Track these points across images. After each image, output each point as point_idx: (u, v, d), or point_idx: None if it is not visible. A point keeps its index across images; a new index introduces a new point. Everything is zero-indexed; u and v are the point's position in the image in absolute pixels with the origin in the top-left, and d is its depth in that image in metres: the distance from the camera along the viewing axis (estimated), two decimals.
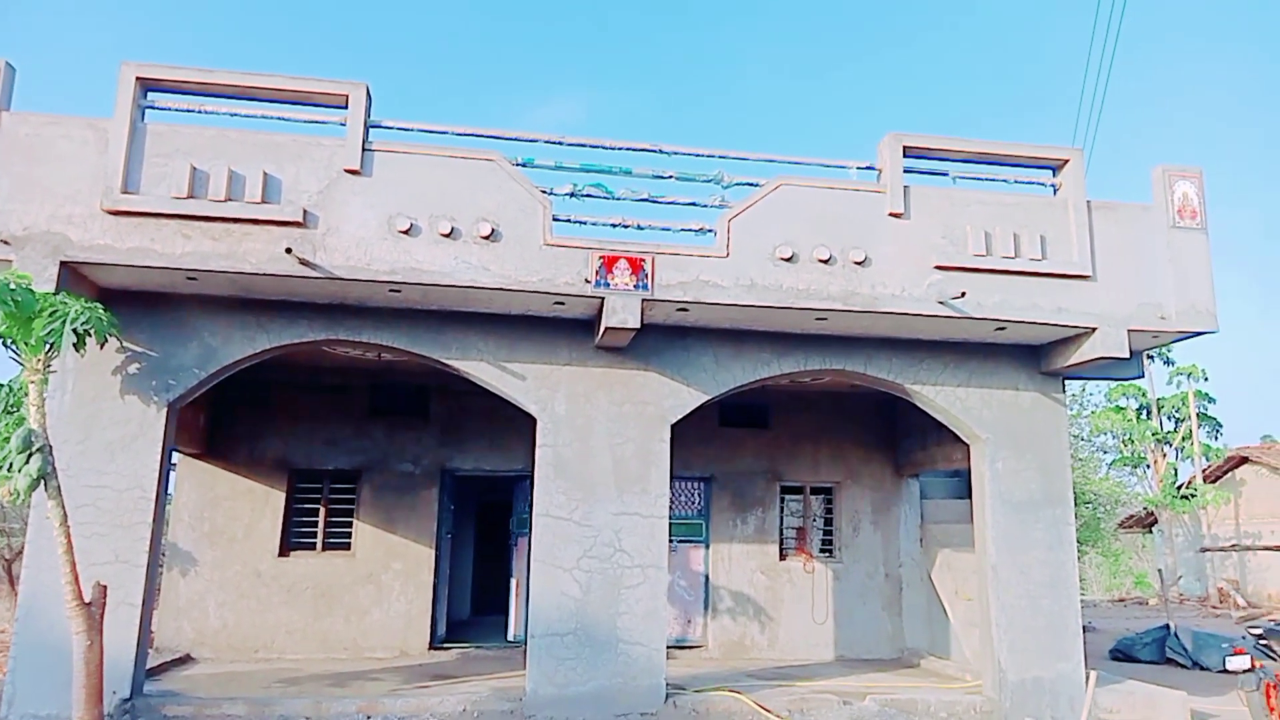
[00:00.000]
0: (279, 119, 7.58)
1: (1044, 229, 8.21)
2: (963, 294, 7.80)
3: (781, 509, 12.06)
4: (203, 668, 9.79)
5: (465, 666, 10.06)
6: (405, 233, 7.24)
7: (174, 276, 7.22)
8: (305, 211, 7.12)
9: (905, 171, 8.15)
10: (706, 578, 11.69)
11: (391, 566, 11.03)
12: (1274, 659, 8.45)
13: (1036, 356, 9.08)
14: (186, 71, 7.35)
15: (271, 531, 10.89)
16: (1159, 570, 18.57)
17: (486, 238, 7.35)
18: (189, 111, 7.43)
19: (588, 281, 7.45)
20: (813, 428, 12.16)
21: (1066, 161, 8.41)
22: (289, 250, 6.90)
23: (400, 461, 11.32)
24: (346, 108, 7.45)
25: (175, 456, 10.69)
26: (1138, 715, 8.63)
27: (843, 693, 8.79)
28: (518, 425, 9.50)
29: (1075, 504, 25.18)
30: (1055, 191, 8.51)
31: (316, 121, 7.58)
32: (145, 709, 7.26)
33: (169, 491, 8.94)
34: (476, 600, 15.02)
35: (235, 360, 7.81)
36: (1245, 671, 8.32)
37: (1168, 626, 13.71)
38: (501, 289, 7.39)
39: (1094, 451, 29.87)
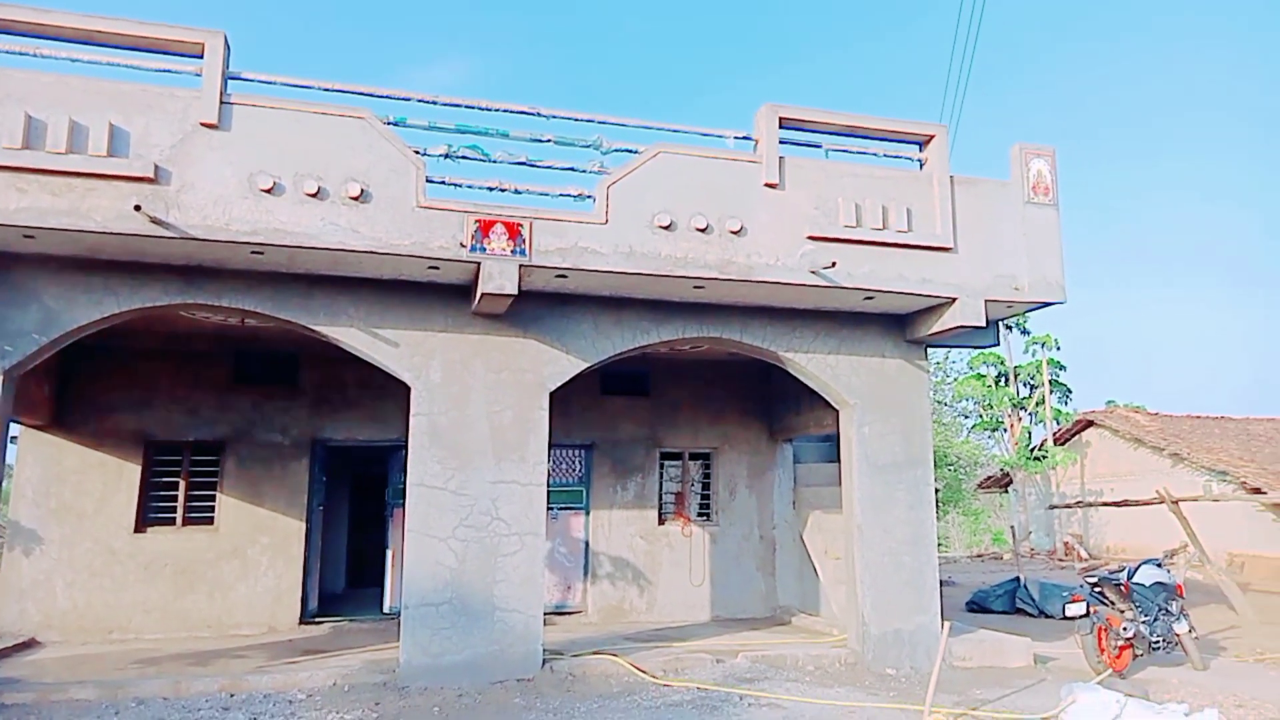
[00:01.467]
0: (128, 67, 7.05)
1: (910, 202, 8.53)
2: (834, 264, 8.03)
3: (661, 475, 12.25)
4: (50, 651, 9.21)
5: (338, 640, 9.83)
6: (268, 191, 6.89)
7: (7, 234, 6.66)
8: (157, 167, 6.67)
9: (780, 143, 8.29)
10: (586, 544, 11.77)
11: (259, 540, 10.63)
12: (1106, 605, 9.20)
13: (902, 325, 9.48)
14: (18, 10, 6.73)
15: (126, 506, 10.29)
16: (1011, 527, 19.85)
17: (356, 199, 7.08)
18: (23, 55, 6.82)
19: (463, 246, 7.29)
20: (692, 395, 12.36)
21: (932, 137, 8.74)
22: (138, 208, 6.45)
23: (268, 432, 10.88)
24: (202, 57, 6.99)
25: (16, 429, 9.95)
26: (987, 661, 9.23)
27: (716, 651, 9.05)
28: (393, 394, 9.28)
29: (938, 466, 26.46)
30: (921, 166, 8.83)
31: (169, 71, 7.09)
32: None
33: (7, 465, 8.32)
34: (352, 573, 14.68)
35: (80, 325, 7.29)
36: (1081, 617, 9.03)
37: (1018, 579, 14.69)
38: (372, 252, 7.15)
39: (956, 416, 31.61)
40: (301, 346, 10.14)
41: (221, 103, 6.93)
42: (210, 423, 10.72)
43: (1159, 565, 9.74)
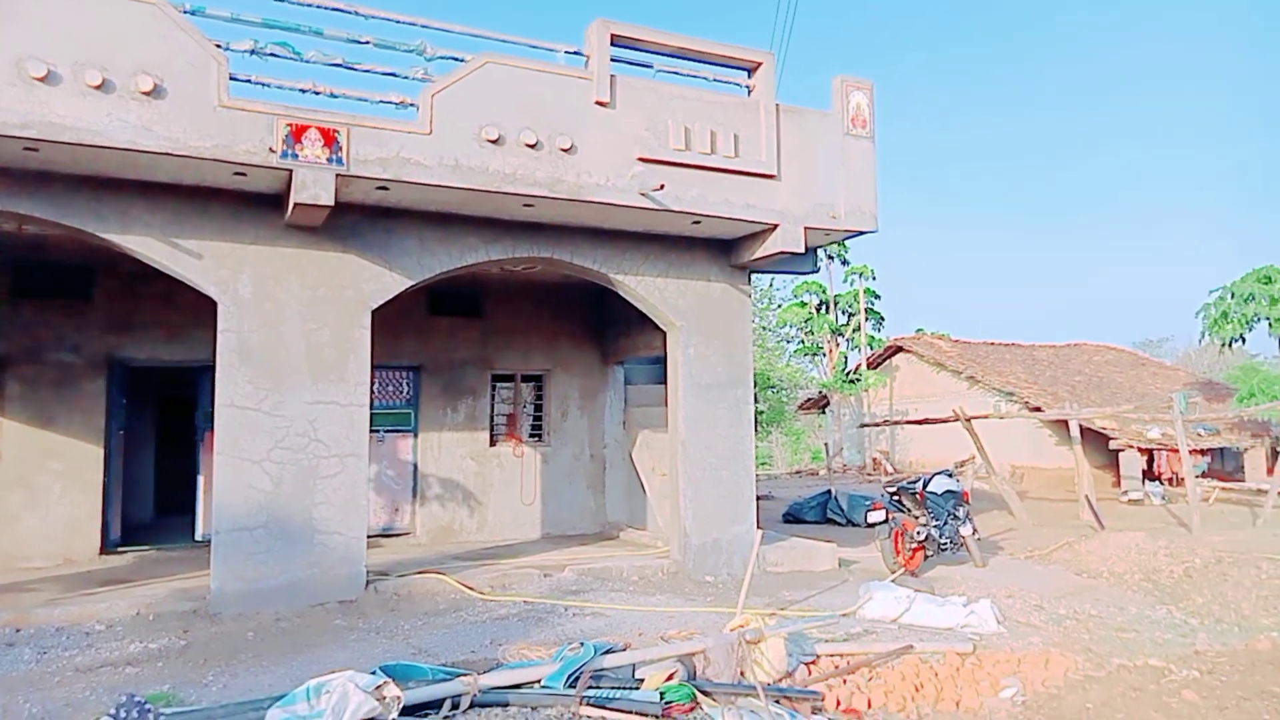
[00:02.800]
0: None
1: (738, 128, 8.68)
2: (662, 186, 8.11)
3: (493, 397, 12.19)
4: None
5: (144, 570, 9.32)
6: (42, 80, 6.16)
7: None
8: None
9: (612, 61, 8.20)
10: (415, 466, 11.62)
11: (49, 467, 9.81)
12: (904, 511, 10.05)
13: (727, 250, 9.74)
14: None
15: None
16: (825, 445, 21.17)
17: (148, 94, 6.45)
18: None
19: (273, 151, 6.83)
20: (525, 317, 12.29)
21: (760, 64, 8.89)
22: None
23: (57, 350, 9.96)
24: None
25: None
26: (798, 566, 9.92)
27: (544, 566, 9.24)
28: (202, 311, 8.66)
29: (762, 389, 27.65)
30: (749, 93, 8.99)
31: None
32: None
33: None
34: (162, 501, 13.89)
35: None
36: (881, 523, 9.83)
37: (829, 492, 15.77)
38: (169, 154, 6.57)
39: (779, 342, 33.18)
40: (96, 257, 9.23)
41: None
42: None
43: (950, 475, 10.72)
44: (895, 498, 10.24)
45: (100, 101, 6.34)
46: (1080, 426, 15.82)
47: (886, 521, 9.82)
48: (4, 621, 6.88)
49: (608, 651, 5.44)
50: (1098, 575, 9.86)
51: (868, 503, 13.58)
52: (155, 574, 9.00)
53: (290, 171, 6.94)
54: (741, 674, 5.41)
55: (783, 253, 9.03)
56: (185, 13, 6.78)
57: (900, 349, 27.62)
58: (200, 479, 11.02)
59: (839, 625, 7.05)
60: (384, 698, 4.10)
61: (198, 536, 10.92)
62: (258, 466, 7.62)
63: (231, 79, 6.81)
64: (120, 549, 10.38)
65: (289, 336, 7.79)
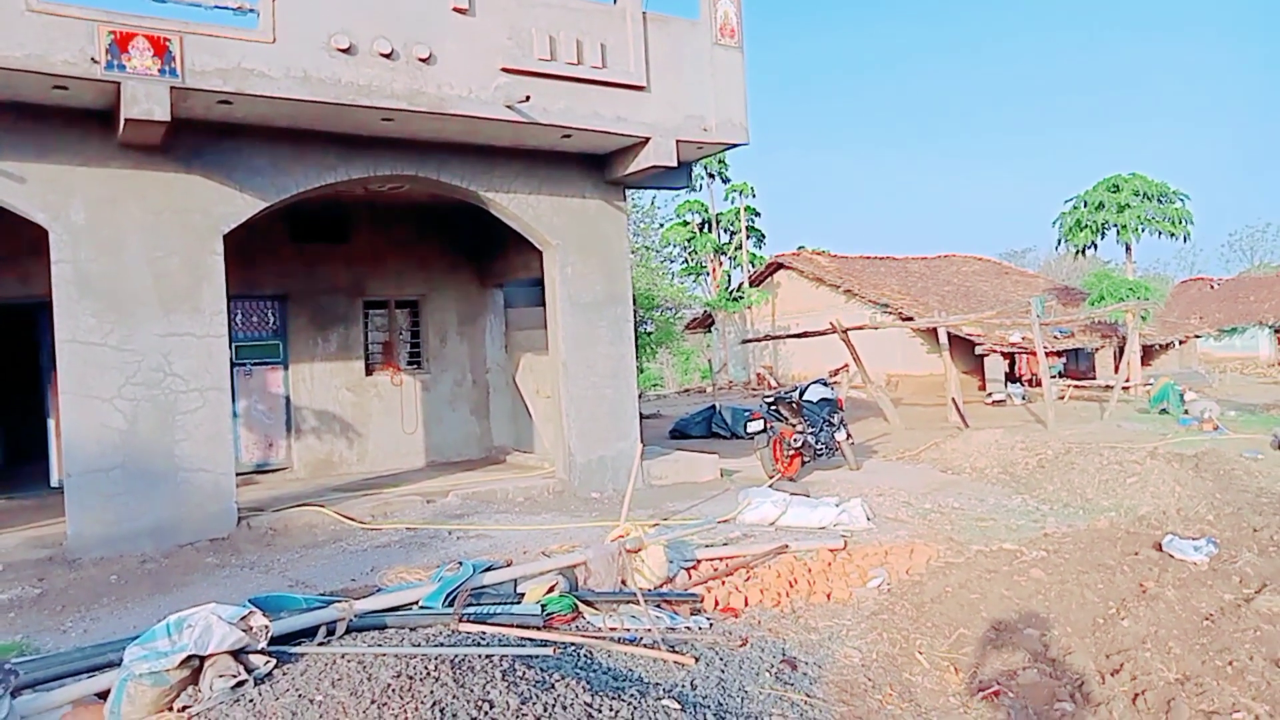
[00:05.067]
0: None
1: (604, 37, 8.43)
2: (527, 98, 7.84)
3: (366, 324, 11.80)
4: None
5: None
6: None
7: None
8: None
9: None
10: (288, 399, 11.21)
11: None
12: (781, 420, 10.34)
13: (601, 166, 9.57)
14: None
15: None
16: (709, 361, 21.54)
17: None
18: None
19: (95, 62, 6.22)
20: (396, 241, 11.86)
21: None
22: None
23: None
24: None
25: None
26: (682, 478, 10.13)
27: (427, 493, 9.14)
28: (40, 242, 7.98)
29: (648, 309, 27.73)
30: (615, 1, 8.72)
31: None
32: None
33: None
34: (11, 449, 13.00)
35: None
36: (760, 433, 10.10)
37: (713, 407, 16.12)
38: None
39: (663, 262, 33.29)
40: None
41: None
42: None
43: (825, 384, 11.07)
44: (774, 408, 10.51)
45: None
46: (948, 334, 16.60)
47: (765, 431, 10.09)
48: None
49: (488, 569, 5.43)
50: (961, 471, 10.46)
51: (749, 415, 13.99)
52: (5, 524, 8.43)
53: (118, 85, 6.35)
54: (623, 583, 5.50)
55: (655, 167, 8.93)
56: None
57: (781, 266, 28.18)
58: (51, 422, 10.32)
59: (718, 531, 7.26)
60: (250, 628, 3.97)
61: (53, 483, 10.27)
62: (109, 404, 7.17)
63: None
64: None
65: (133, 265, 7.27)
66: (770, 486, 8.93)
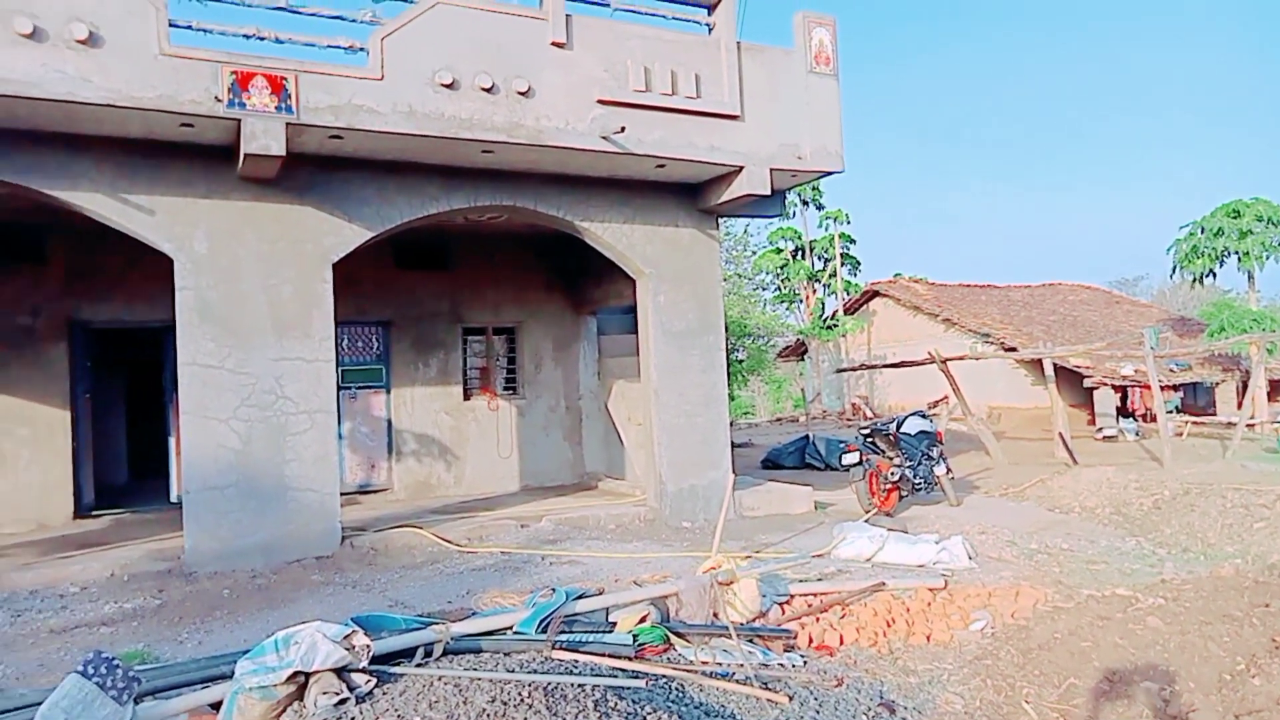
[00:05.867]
0: None
1: (699, 68, 8.49)
2: (622, 129, 7.94)
3: (464, 350, 12.09)
4: None
5: (119, 533, 9.23)
6: None
7: None
8: None
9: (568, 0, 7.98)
10: (389, 422, 11.55)
11: (15, 433, 9.67)
12: (878, 453, 10.10)
13: (694, 195, 9.61)
14: None
15: None
16: (802, 390, 21.23)
17: (84, 42, 6.21)
18: None
19: (219, 100, 6.61)
20: (494, 269, 12.14)
21: (719, 1, 8.67)
22: None
23: (14, 314, 9.74)
24: None
25: None
26: (774, 509, 9.98)
27: (521, 517, 9.25)
28: (163, 270, 8.49)
29: (740, 336, 27.58)
30: (710, 31, 8.78)
31: None
32: None
33: None
34: (136, 464, 13.76)
35: None
36: (855, 465, 9.88)
37: (807, 437, 15.86)
38: (111, 105, 6.35)
39: (756, 289, 33.07)
40: (48, 217, 9.00)
41: None
42: None
43: (923, 416, 10.76)
44: (870, 440, 10.28)
45: (34, 51, 6.09)
46: (1054, 365, 15.94)
47: (861, 464, 9.87)
48: None
49: (580, 596, 5.44)
50: (1070, 510, 9.99)
51: (844, 446, 13.72)
52: (130, 536, 8.93)
53: (239, 121, 6.73)
54: (715, 615, 5.43)
55: (749, 195, 8.92)
56: None
57: (877, 294, 27.65)
58: (172, 440, 10.90)
59: (812, 566, 7.10)
60: (353, 646, 4.07)
61: (173, 498, 10.84)
62: (225, 425, 7.53)
63: (172, 25, 6.55)
64: (95, 513, 10.29)
65: (249, 292, 7.64)
66: (866, 521, 8.71)
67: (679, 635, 5.13)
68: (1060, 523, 9.24)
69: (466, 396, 12.02)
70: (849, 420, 24.73)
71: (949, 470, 10.47)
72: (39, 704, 3.78)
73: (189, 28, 6.68)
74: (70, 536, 9.06)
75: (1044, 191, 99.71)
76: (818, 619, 5.62)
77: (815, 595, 6.08)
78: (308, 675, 3.90)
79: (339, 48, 7.21)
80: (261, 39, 6.96)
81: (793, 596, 6.03)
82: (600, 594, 5.70)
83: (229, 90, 6.61)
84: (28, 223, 9.54)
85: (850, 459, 9.93)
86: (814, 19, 9.04)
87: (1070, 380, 19.67)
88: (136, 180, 7.22)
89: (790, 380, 34.93)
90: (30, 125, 6.69)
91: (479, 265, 12.04)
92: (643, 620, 5.19)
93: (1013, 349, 20.31)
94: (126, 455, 13.65)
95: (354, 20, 7.28)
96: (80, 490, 10.13)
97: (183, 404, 7.47)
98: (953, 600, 6.08)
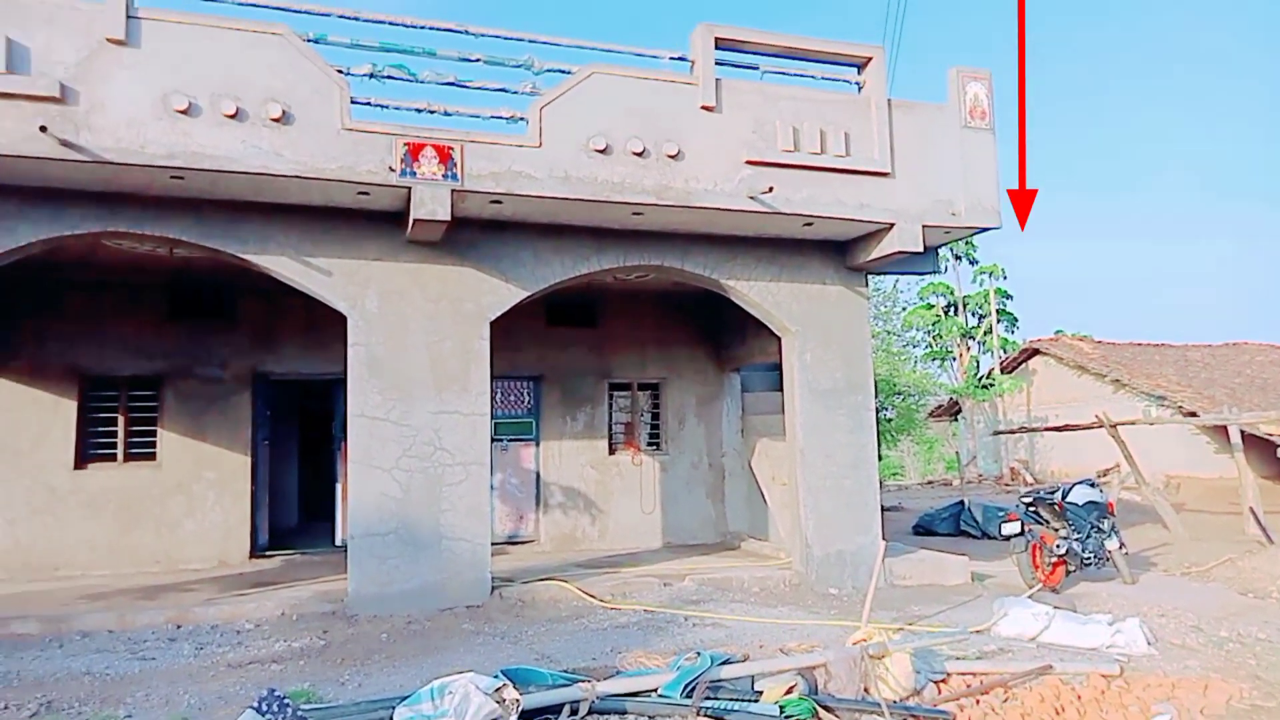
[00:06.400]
0: None
1: (848, 126, 8.46)
2: (771, 189, 7.97)
3: (610, 405, 12.29)
4: None
5: (289, 573, 9.84)
6: (184, 112, 6.62)
7: None
8: (62, 86, 6.37)
9: (716, 64, 8.15)
10: (538, 474, 11.83)
11: (204, 476, 10.52)
12: (1042, 524, 9.48)
13: (842, 252, 9.49)
14: None
15: (64, 443, 10.10)
16: (956, 453, 20.30)
17: (278, 120, 6.84)
18: None
19: (392, 170, 7.10)
20: (640, 326, 12.35)
21: (870, 59, 8.63)
22: (44, 129, 6.18)
23: (207, 365, 10.68)
24: None
25: None
26: (927, 579, 9.52)
27: (665, 575, 9.20)
28: (335, 325, 9.12)
29: (888, 395, 26.70)
30: (859, 89, 8.75)
31: None
32: None
33: None
34: (305, 507, 14.65)
35: None
36: (1016, 535, 9.30)
37: (962, 502, 15.10)
38: (298, 176, 6.94)
39: (905, 346, 32.01)
40: (236, 277, 9.86)
41: (129, 16, 6.59)
42: (147, 357, 10.49)
43: (1092, 485, 10.03)
44: (1031, 509, 9.68)
45: (235, 129, 6.76)
46: (1242, 432, 14.57)
47: (1023, 534, 9.28)
48: (167, 619, 7.41)
49: (725, 662, 5.33)
50: (1266, 595, 9.02)
51: (1003, 514, 12.99)
52: (299, 577, 9.49)
53: (409, 189, 7.21)
54: (865, 690, 5.21)
55: (900, 253, 8.73)
56: (309, 41, 7.15)
57: (1037, 352, 26.21)
58: (339, 487, 11.56)
59: (971, 642, 6.69)
60: (504, 700, 4.15)
61: (338, 541, 11.47)
62: (388, 474, 7.92)
63: (353, 102, 7.14)
64: (268, 553, 11.01)
65: (413, 348, 8.08)
66: (1029, 597, 8.15)
67: (827, 709, 4.94)
68: (1255, 608, 8.35)
69: (611, 451, 12.18)
70: (1007, 486, 23.40)
71: (1122, 544, 9.68)
72: None
73: (367, 104, 7.26)
74: (246, 574, 9.71)
75: (1221, 243, 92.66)
76: (978, 701, 5.29)
77: (975, 675, 5.72)
78: None
79: (500, 118, 7.64)
80: (431, 112, 7.46)
81: (950, 675, 5.69)
82: (746, 660, 5.58)
83: (401, 160, 7.10)
84: (218, 282, 10.50)
85: (1011, 529, 9.35)
86: (968, 73, 8.85)
87: (1262, 449, 17.89)
88: (317, 244, 7.83)
89: (942, 441, 33.47)
90: (228, 196, 7.40)
91: (625, 322, 12.28)
92: (789, 691, 5.03)
93: (1193, 414, 18.73)
94: (297, 499, 14.56)
95: (515, 91, 7.70)
96: (256, 531, 10.88)
97: (351, 453, 7.92)
98: (1130, 690, 5.58)
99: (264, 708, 4.02)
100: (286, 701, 4.07)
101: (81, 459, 10.21)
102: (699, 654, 5.32)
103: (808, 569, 9.15)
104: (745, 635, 7.03)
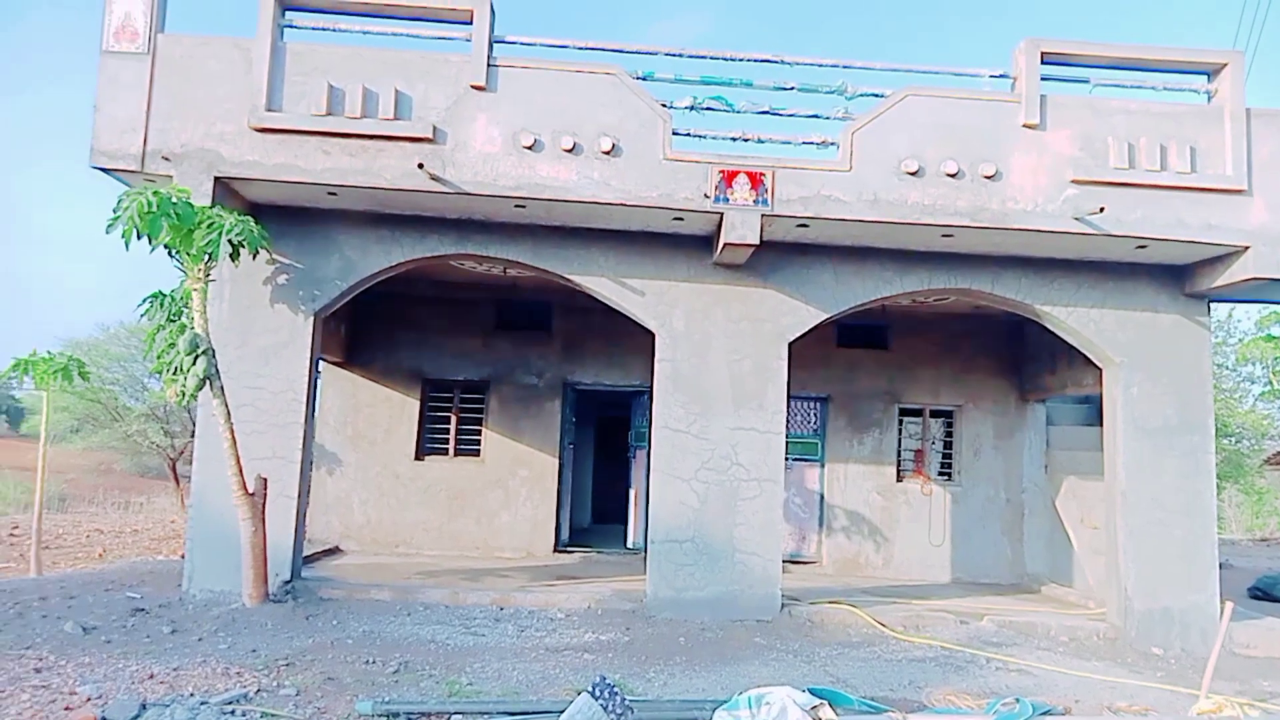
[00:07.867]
0: (408, 36, 7.79)
1: (1195, 139, 7.66)
2: (1101, 209, 7.42)
3: (900, 431, 11.96)
4: (350, 558, 10.67)
5: (587, 569, 10.57)
6: (529, 148, 7.41)
7: (316, 191, 7.64)
8: (435, 128, 7.38)
9: (1042, 80, 7.72)
10: (821, 496, 11.79)
11: (518, 473, 11.60)
12: None
13: (1180, 277, 8.58)
14: None
15: (408, 436, 11.60)
16: None
17: (608, 153, 7.44)
18: (324, 30, 7.67)
19: (707, 196, 7.46)
20: (933, 349, 11.92)
21: (1224, 66, 7.76)
22: (421, 165, 7.19)
23: (525, 374, 11.79)
24: (471, 23, 7.57)
25: (320, 364, 11.48)
26: (1275, 651, 8.32)
27: (959, 612, 8.81)
28: (636, 342, 9.74)
29: (1217, 437, 23.60)
30: (1209, 99, 7.89)
31: (443, 38, 7.75)
32: (304, 590, 8.02)
33: (316, 396, 9.64)
34: (596, 509, 15.63)
35: (373, 272, 8.25)
36: None
37: None
38: (622, 204, 7.50)
39: (1240, 382, 27.96)
40: (553, 296, 10.86)
41: (489, 65, 7.50)
42: (477, 364, 11.79)
43: None
44: None
45: (571, 162, 7.45)
46: None
47: None
48: (491, 600, 8.27)
49: (1046, 713, 5.04)
50: None
51: None
52: (597, 574, 10.17)
53: (721, 214, 7.53)
54: None
55: (1255, 279, 7.74)
56: (637, 79, 7.71)
57: None
58: (631, 492, 12.25)
59: None
60: (819, 718, 4.22)
61: (628, 544, 12.14)
62: (686, 485, 8.29)
63: (673, 133, 7.59)
64: (568, 548, 11.90)
65: (714, 366, 8.40)
66: None
67: None
68: None
69: (899, 478, 11.85)
70: None
71: None
72: (550, 711, 4.47)
73: (687, 135, 7.70)
74: (551, 567, 10.57)
75: None
76: None
77: None
78: None
79: (811, 143, 7.76)
80: (745, 140, 7.76)
81: None
82: (1067, 713, 5.23)
83: (715, 187, 7.44)
84: (538, 300, 11.56)
85: None
86: None
87: None
88: (632, 266, 8.40)
89: (1275, 492, 28.94)
90: (559, 222, 8.15)
91: (917, 345, 11.91)
92: None
93: None
94: (590, 501, 15.58)
95: (827, 117, 7.79)
96: (559, 527, 11.80)
97: (653, 462, 8.38)
98: None
99: (598, 693, 4.39)
100: (616, 690, 4.41)
101: (420, 451, 11.67)
102: (1018, 700, 5.07)
103: (1126, 623, 8.34)
104: (1056, 687, 6.56)
